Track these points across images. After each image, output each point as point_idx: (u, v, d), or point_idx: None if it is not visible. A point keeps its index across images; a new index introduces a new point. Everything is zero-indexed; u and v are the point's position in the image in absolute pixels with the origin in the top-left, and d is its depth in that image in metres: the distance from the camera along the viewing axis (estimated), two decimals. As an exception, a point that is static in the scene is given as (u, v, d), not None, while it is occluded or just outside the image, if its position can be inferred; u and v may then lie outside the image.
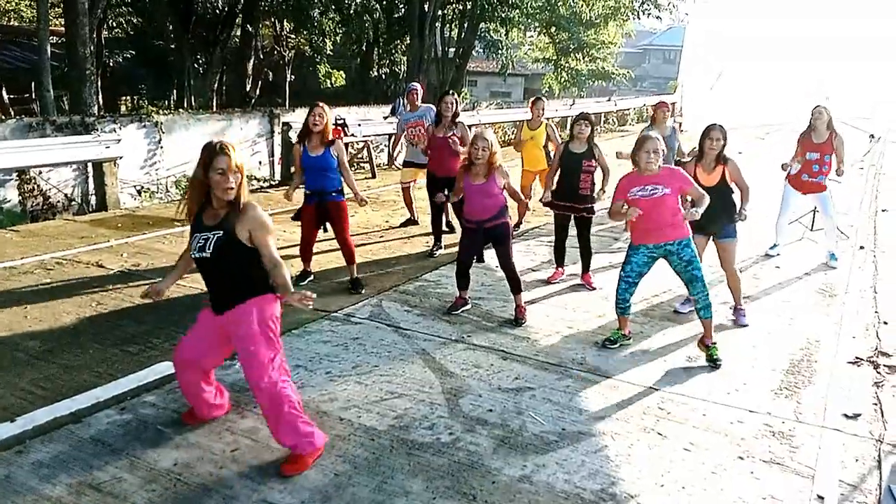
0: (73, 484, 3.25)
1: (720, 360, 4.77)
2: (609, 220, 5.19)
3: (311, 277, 6.42)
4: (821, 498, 3.35)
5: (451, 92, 7.88)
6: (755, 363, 4.89)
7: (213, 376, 3.75)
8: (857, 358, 5.03)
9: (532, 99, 8.77)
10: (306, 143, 6.02)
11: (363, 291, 6.13)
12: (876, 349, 5.20)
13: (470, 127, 7.53)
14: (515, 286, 5.54)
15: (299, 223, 6.52)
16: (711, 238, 5.52)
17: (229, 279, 3.41)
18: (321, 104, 6.04)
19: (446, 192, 6.07)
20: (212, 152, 3.27)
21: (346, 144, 11.07)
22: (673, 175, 4.74)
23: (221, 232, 3.31)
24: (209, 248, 3.31)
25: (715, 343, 4.86)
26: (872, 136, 12.39)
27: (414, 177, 8.62)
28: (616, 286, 5.02)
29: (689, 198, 4.90)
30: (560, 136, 8.65)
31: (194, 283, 5.96)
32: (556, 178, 6.53)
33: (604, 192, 6.38)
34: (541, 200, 6.60)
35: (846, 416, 4.15)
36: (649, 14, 26.89)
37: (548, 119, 8.56)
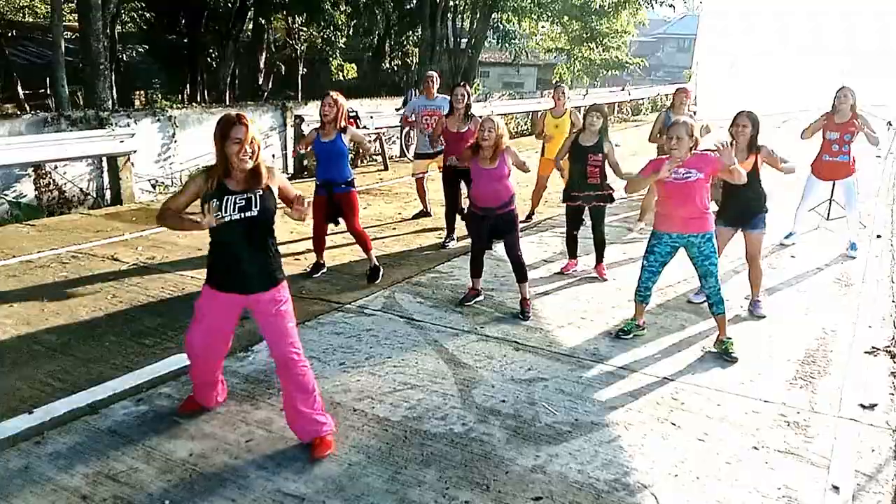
0: (91, 474, 3.29)
1: (735, 354, 4.73)
2: (625, 192, 5.09)
3: (325, 269, 6.44)
4: (836, 488, 3.32)
5: (462, 83, 7.84)
6: (770, 353, 4.86)
7: (221, 365, 3.79)
8: (873, 348, 4.98)
9: (554, 86, 8.72)
10: (320, 131, 6.04)
11: (378, 281, 6.14)
12: (893, 339, 5.15)
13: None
14: (521, 275, 5.53)
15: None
16: (739, 230, 5.49)
17: (264, 247, 3.45)
18: (332, 93, 6.04)
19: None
20: (228, 122, 3.27)
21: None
22: (704, 160, 4.64)
23: (261, 191, 3.35)
24: (256, 206, 3.33)
25: (730, 338, 4.82)
26: (890, 123, 12.21)
27: (426, 168, 8.60)
28: (639, 274, 4.99)
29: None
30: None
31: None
32: (568, 170, 6.50)
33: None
34: (563, 199, 6.53)
35: (862, 406, 4.12)
36: (662, 3, 26.67)
37: (572, 107, 8.51)
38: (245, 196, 3.33)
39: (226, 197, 3.32)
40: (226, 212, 3.31)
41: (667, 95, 30.66)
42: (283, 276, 3.55)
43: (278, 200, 3.48)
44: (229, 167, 3.32)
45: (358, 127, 11.40)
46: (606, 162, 6.19)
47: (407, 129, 14.33)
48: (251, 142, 3.28)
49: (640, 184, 4.88)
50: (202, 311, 3.55)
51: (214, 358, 3.66)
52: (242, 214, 3.33)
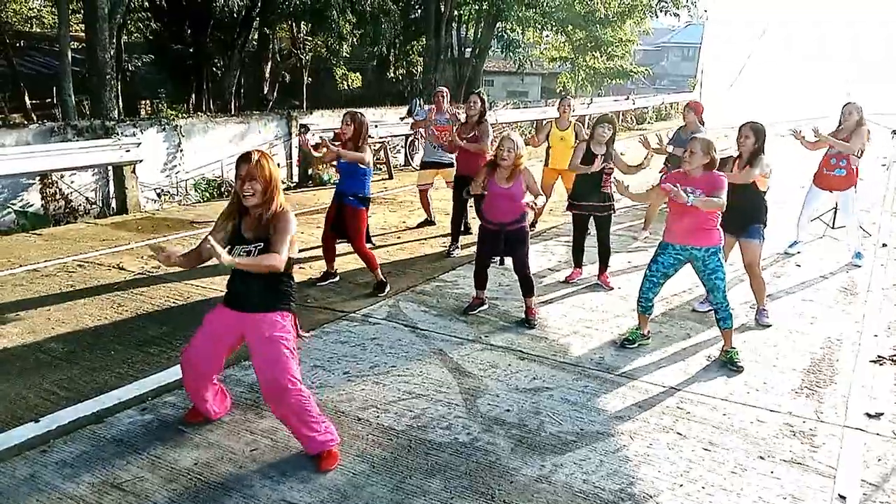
0: (96, 483, 3.30)
1: (741, 364, 4.71)
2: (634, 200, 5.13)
3: (336, 278, 6.41)
4: (842, 498, 3.31)
5: (478, 91, 7.88)
6: (776, 362, 4.85)
7: (216, 378, 3.78)
8: (879, 357, 4.97)
9: (559, 98, 8.74)
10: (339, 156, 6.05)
11: (385, 292, 6.11)
12: (899, 348, 5.13)
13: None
14: (528, 289, 5.52)
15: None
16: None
17: (264, 287, 3.46)
18: (351, 111, 6.07)
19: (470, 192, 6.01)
20: (238, 159, 3.39)
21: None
22: (709, 181, 4.62)
23: (262, 244, 3.37)
24: None
25: (735, 348, 4.82)
26: (894, 132, 12.22)
27: (431, 179, 8.61)
28: (640, 284, 5.00)
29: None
30: (586, 134, 8.63)
31: (213, 286, 6.02)
32: (573, 179, 6.52)
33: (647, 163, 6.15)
34: (568, 208, 6.55)
35: (868, 415, 4.11)
36: (667, 12, 26.70)
37: (576, 119, 8.56)
38: (248, 248, 3.37)
39: (236, 245, 3.42)
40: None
41: (671, 104, 30.69)
42: (284, 307, 3.50)
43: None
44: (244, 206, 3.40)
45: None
46: (617, 168, 6.20)
47: (412, 137, 14.39)
48: (253, 179, 3.30)
49: (649, 197, 4.95)
50: (206, 319, 3.62)
51: (202, 369, 3.63)
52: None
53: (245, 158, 3.36)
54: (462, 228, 7.83)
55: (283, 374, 3.36)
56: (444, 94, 8.46)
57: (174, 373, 4.40)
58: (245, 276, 3.45)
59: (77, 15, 18.07)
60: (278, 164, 12.83)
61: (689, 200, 4.42)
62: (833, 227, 8.49)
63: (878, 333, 5.42)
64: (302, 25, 21.56)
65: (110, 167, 9.62)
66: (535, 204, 5.18)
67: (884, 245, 8.11)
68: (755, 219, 5.41)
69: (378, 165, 13.62)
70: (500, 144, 5.25)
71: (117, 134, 9.76)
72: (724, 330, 4.81)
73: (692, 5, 26.82)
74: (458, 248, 7.56)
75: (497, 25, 21.34)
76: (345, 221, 6.11)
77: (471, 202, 7.42)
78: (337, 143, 6.20)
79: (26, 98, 17.47)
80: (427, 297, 6.09)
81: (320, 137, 6.20)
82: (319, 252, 6.51)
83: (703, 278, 4.79)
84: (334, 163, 6.44)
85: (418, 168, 10.09)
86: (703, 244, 4.67)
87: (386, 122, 14.01)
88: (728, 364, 4.73)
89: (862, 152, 7.15)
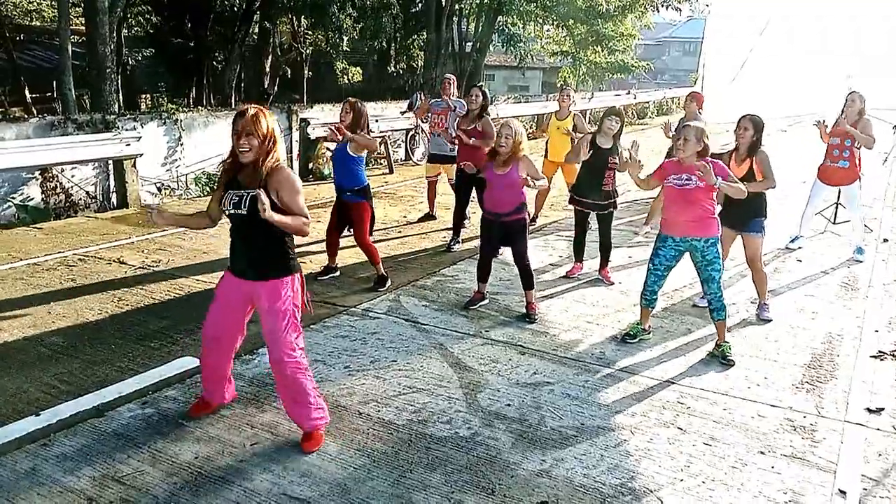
0: (97, 477, 3.30)
1: (732, 358, 4.71)
2: (637, 186, 5.10)
3: (337, 273, 6.40)
4: (843, 493, 3.31)
5: (479, 85, 7.86)
6: (777, 357, 4.85)
7: (231, 356, 3.79)
8: (880, 352, 4.97)
9: (560, 88, 8.74)
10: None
11: (385, 287, 6.10)
12: (900, 343, 5.13)
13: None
14: (528, 282, 5.52)
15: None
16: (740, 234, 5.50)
17: (262, 243, 3.43)
18: (350, 99, 6.05)
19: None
20: (235, 114, 3.36)
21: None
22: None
23: (259, 191, 3.28)
24: (245, 205, 3.32)
25: (727, 342, 4.81)
26: (896, 127, 12.21)
27: (439, 171, 8.60)
28: (645, 278, 4.99)
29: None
30: (587, 126, 8.61)
31: (214, 280, 6.01)
32: (577, 172, 6.50)
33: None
34: (570, 201, 6.54)
35: (869, 410, 4.11)
36: (668, 6, 26.61)
37: (576, 111, 8.55)
38: (241, 193, 3.34)
39: (229, 190, 3.41)
40: (227, 205, 3.40)
41: (672, 99, 30.63)
42: (280, 274, 3.46)
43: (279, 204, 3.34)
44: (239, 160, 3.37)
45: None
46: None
47: (412, 132, 14.36)
48: (249, 134, 3.26)
49: (648, 184, 4.92)
50: (217, 291, 3.65)
51: (224, 343, 3.65)
52: (235, 210, 3.37)
53: (241, 113, 3.30)
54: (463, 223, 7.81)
55: (282, 346, 3.43)
56: (452, 81, 8.47)
57: (175, 367, 4.42)
58: (245, 243, 3.46)
59: (77, 9, 18.01)
60: (279, 159, 12.82)
61: (717, 182, 4.42)
62: (834, 223, 8.48)
63: (879, 329, 5.42)
64: (302, 19, 21.52)
65: (111, 161, 9.59)
66: (534, 182, 5.21)
67: (885, 240, 8.11)
68: (756, 213, 5.40)
69: (379, 160, 13.61)
70: (499, 132, 5.27)
71: (117, 128, 9.73)
72: (718, 321, 4.81)
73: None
74: (458, 242, 7.56)
75: (498, 20, 21.27)
76: (349, 217, 6.11)
77: (474, 195, 7.40)
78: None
79: (26, 92, 17.43)
80: (428, 292, 6.08)
81: (323, 129, 6.20)
82: (319, 246, 6.50)
83: (700, 269, 4.78)
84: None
85: (424, 161, 10.06)
86: (702, 235, 4.67)
87: (386, 116, 13.98)
88: (720, 358, 4.73)
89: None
